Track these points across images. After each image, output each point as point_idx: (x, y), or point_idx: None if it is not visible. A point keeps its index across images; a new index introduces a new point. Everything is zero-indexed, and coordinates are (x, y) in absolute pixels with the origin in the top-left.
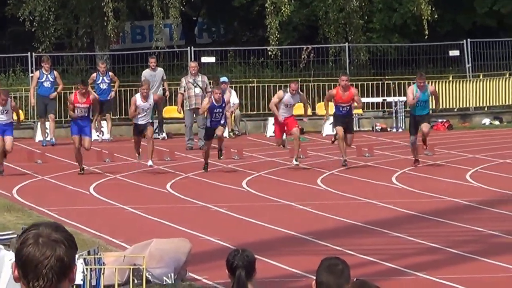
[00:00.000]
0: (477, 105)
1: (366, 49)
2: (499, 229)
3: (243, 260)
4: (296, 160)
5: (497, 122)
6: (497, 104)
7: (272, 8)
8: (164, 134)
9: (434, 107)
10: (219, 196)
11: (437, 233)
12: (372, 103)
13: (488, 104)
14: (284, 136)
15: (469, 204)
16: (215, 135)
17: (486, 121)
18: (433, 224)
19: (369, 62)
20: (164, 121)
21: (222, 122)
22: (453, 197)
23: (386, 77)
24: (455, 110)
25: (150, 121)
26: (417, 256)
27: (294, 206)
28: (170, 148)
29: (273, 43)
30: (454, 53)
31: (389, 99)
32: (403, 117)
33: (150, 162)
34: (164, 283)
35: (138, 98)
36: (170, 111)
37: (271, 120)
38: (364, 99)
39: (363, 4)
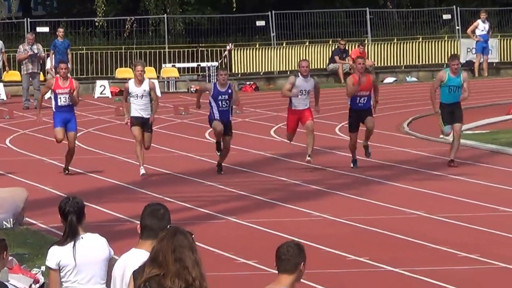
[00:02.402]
0: (281, 69)
1: (182, 20)
2: (299, 179)
3: (74, 206)
4: (309, 156)
5: None
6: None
7: None
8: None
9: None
10: (52, 150)
11: (246, 183)
12: (188, 67)
13: (290, 68)
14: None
15: (273, 156)
16: (223, 142)
17: None
18: (242, 174)
19: (185, 31)
20: (4, 84)
21: (230, 116)
22: (260, 150)
23: (201, 44)
24: (261, 74)
25: (149, 115)
26: (228, 203)
27: (119, 159)
28: (9, 108)
29: (100, 15)
30: (261, 23)
31: (203, 64)
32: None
33: (142, 170)
34: (4, 227)
35: (130, 83)
36: (10, 75)
37: (98, 82)
38: (181, 65)
39: None
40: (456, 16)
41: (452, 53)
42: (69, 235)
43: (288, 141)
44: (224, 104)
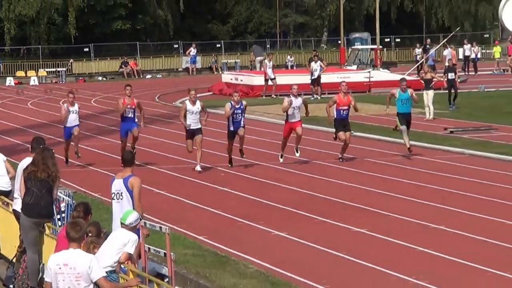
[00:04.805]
0: (96, 71)
1: (48, 48)
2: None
3: None
4: (297, 152)
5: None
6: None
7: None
8: None
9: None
10: None
11: (91, 125)
12: (52, 71)
13: (101, 71)
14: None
15: (96, 114)
16: (237, 135)
17: (100, 78)
18: (88, 119)
19: (49, 53)
20: None
21: (242, 124)
22: (88, 111)
23: (57, 60)
24: (87, 74)
25: (200, 126)
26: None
27: (19, 115)
28: None
29: (7, 45)
30: (86, 49)
31: (58, 69)
32: (66, 75)
33: (198, 167)
34: None
35: (187, 103)
36: None
37: (7, 78)
38: (48, 69)
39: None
40: (180, 46)
41: (178, 62)
42: None
43: (282, 143)
44: (238, 117)
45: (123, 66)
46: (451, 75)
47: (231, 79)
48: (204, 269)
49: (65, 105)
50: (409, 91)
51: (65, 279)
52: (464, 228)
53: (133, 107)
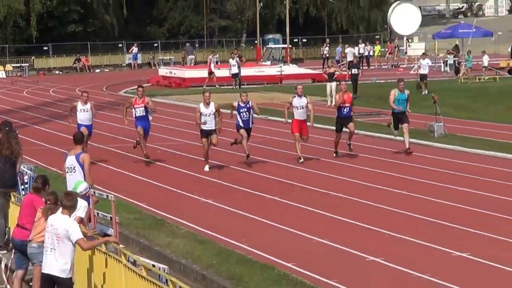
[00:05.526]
0: (54, 66)
1: (14, 47)
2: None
3: None
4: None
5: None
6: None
7: None
8: None
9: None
10: None
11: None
12: (17, 66)
13: (57, 66)
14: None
15: (36, 106)
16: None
17: (57, 72)
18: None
19: (15, 52)
20: None
21: (251, 124)
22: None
23: (22, 57)
24: (46, 69)
25: (214, 128)
26: (40, 118)
27: None
28: None
29: None
30: (45, 48)
31: (23, 65)
32: (29, 69)
33: (206, 167)
34: None
35: (201, 106)
36: None
37: None
38: (13, 65)
39: None
40: (124, 45)
41: (122, 59)
42: None
43: (295, 138)
44: (244, 115)
45: (76, 62)
46: (354, 71)
47: (166, 73)
48: (144, 230)
49: (78, 102)
50: (406, 92)
51: (49, 237)
52: (369, 199)
53: (143, 105)
